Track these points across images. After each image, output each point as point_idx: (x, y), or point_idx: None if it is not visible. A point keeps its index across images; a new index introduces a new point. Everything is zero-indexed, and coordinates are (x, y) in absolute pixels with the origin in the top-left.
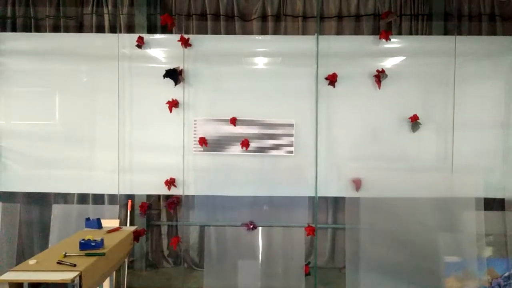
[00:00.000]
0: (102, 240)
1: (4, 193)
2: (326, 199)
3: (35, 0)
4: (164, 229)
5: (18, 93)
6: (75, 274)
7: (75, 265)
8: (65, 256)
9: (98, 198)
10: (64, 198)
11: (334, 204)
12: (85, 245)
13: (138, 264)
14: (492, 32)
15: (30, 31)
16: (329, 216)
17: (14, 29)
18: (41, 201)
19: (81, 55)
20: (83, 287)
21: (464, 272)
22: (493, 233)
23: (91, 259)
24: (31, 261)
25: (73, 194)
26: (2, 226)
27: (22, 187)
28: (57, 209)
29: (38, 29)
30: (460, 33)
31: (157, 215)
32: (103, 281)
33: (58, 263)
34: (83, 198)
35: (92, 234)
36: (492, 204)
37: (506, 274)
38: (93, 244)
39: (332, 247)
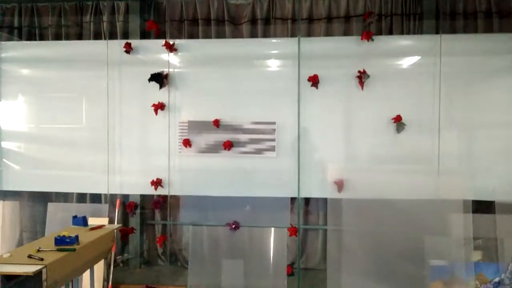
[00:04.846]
0: (76, 236)
1: (7, 192)
2: (317, 200)
3: (39, 10)
4: (158, 228)
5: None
6: (38, 267)
7: (42, 259)
8: (38, 250)
9: (95, 198)
10: (64, 197)
11: (325, 205)
12: (59, 241)
13: (133, 261)
14: (489, 30)
15: (35, 39)
16: (320, 217)
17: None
18: (43, 199)
19: (73, 61)
20: (48, 280)
21: (451, 276)
22: (483, 236)
23: (60, 254)
24: (5, 255)
25: (73, 193)
26: (3, 223)
27: (21, 186)
28: (51, 207)
29: (42, 37)
30: (454, 31)
31: (152, 215)
32: (77, 276)
33: (28, 257)
34: (82, 198)
35: (76, 231)
36: (483, 207)
37: (497, 279)
38: (67, 240)
39: (324, 249)
